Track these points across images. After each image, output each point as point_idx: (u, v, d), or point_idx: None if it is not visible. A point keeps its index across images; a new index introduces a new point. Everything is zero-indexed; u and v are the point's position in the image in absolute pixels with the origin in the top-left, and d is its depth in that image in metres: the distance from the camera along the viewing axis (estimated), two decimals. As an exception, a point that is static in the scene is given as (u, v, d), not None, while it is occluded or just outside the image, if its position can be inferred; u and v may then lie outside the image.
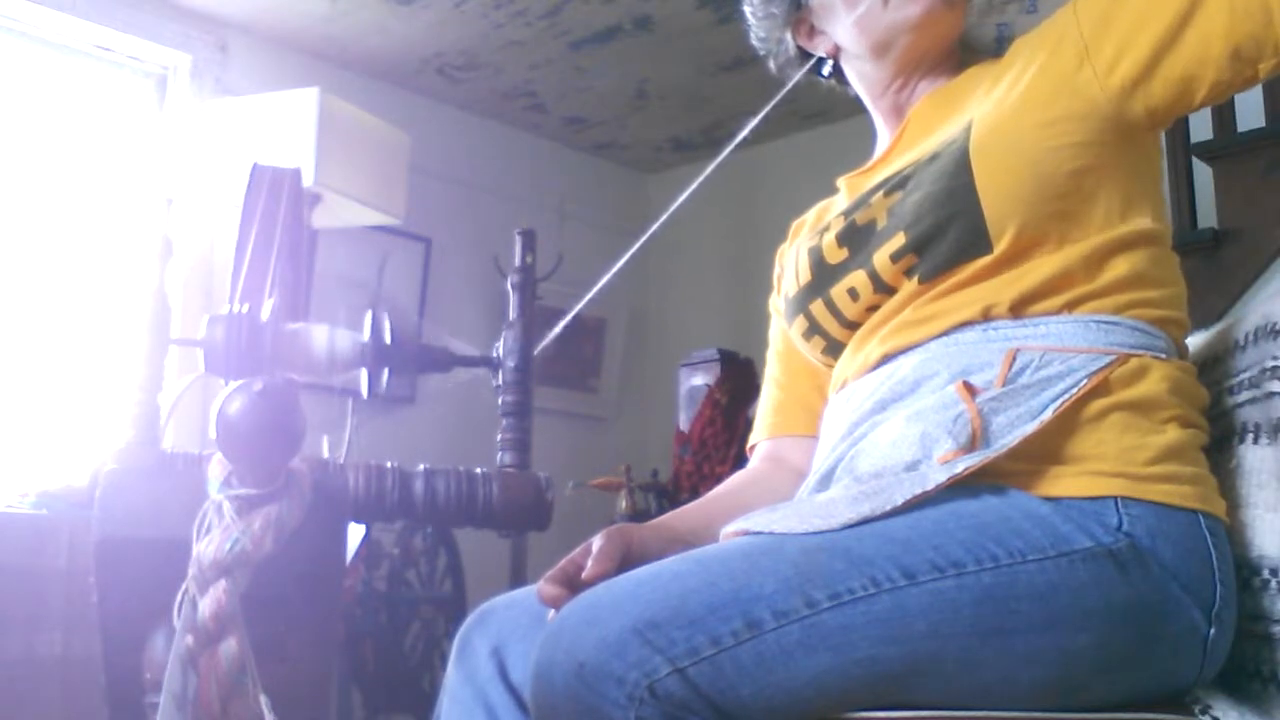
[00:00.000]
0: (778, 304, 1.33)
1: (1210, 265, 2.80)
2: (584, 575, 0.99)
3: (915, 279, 1.08)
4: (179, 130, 3.35)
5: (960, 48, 1.24)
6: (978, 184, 1.03)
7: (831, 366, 1.20)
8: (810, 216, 1.34)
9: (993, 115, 1.07)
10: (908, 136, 1.20)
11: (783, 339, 1.32)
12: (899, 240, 1.08)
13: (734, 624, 0.84)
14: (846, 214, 1.17)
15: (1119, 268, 1.03)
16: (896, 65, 1.22)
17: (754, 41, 1.35)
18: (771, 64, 1.34)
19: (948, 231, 1.05)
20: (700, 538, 1.08)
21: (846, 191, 1.26)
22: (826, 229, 1.19)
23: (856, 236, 1.13)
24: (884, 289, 1.10)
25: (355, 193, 2.85)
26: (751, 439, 1.35)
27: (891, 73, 1.23)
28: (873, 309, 1.12)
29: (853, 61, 1.26)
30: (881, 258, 1.10)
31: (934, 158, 1.09)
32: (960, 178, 1.05)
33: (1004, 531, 0.90)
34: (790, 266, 1.24)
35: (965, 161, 1.05)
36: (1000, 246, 1.03)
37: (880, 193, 1.13)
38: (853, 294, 1.13)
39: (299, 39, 3.69)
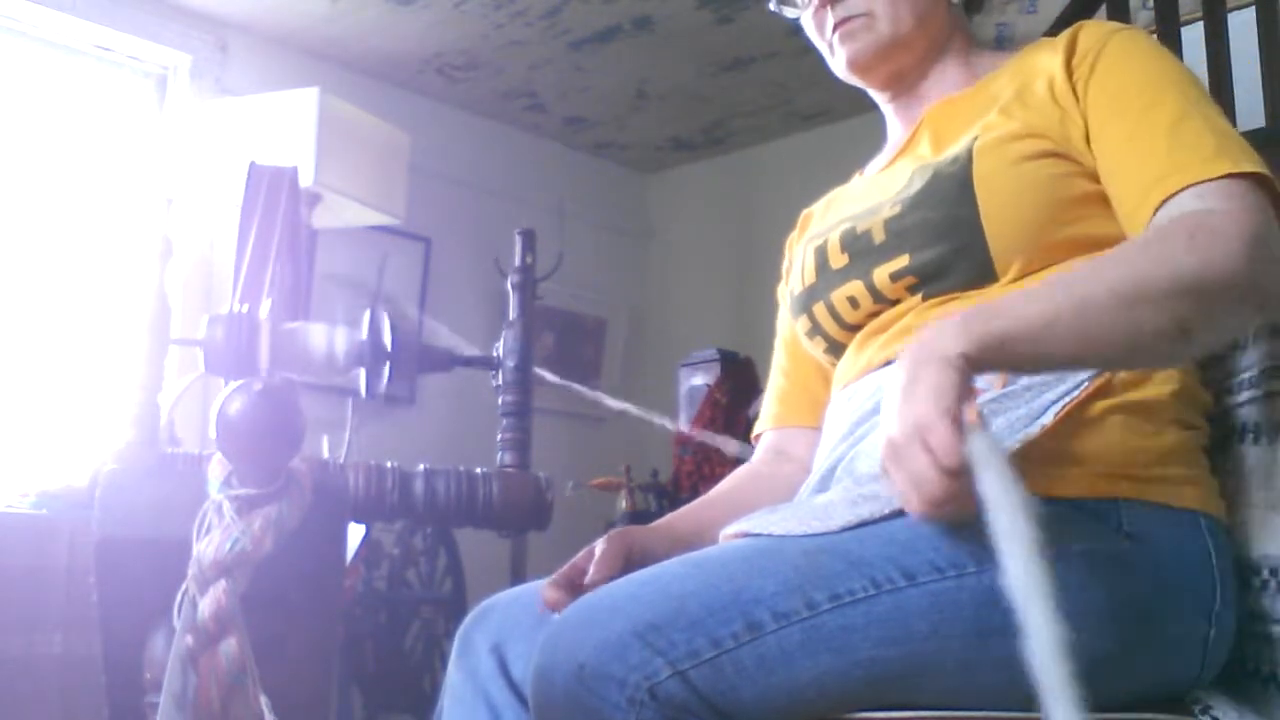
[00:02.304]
0: (786, 295, 1.33)
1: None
2: (586, 580, 0.99)
3: (918, 296, 1.08)
4: (179, 130, 3.35)
5: (963, 46, 1.23)
6: (983, 216, 1.02)
7: (834, 365, 1.19)
8: (819, 207, 1.33)
9: (997, 142, 1.05)
10: (918, 140, 1.19)
11: (790, 328, 1.31)
12: (901, 262, 1.07)
13: (734, 626, 0.84)
14: (853, 217, 1.17)
15: None
16: (869, 89, 1.25)
17: None
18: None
19: (954, 265, 1.04)
20: (703, 539, 1.08)
21: (860, 187, 1.26)
22: (833, 227, 1.19)
23: (857, 244, 1.13)
24: (884, 301, 1.10)
25: (355, 193, 2.85)
26: (757, 428, 1.35)
27: (875, 91, 1.26)
28: (874, 315, 1.12)
29: None
30: (882, 275, 1.09)
31: (935, 176, 1.08)
32: (964, 208, 1.03)
33: (1004, 532, 0.90)
34: (799, 261, 1.24)
35: (969, 190, 1.03)
36: (1006, 278, 1.03)
37: (883, 205, 1.13)
38: (853, 302, 1.13)
39: (299, 39, 3.69)
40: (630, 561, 1.03)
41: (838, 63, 1.22)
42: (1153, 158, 0.97)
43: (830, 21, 1.19)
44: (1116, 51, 1.05)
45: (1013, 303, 0.88)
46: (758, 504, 1.10)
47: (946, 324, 0.86)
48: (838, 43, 1.19)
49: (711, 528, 1.10)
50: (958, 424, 0.81)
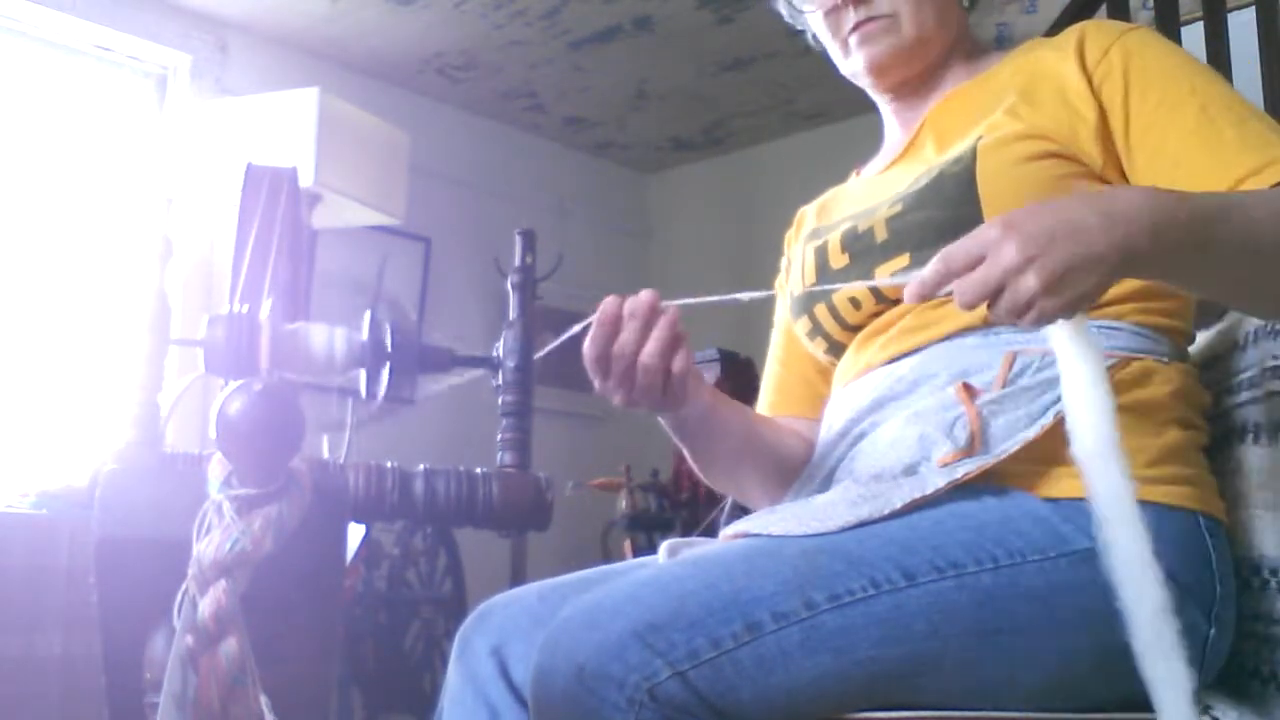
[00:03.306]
0: (786, 295, 1.33)
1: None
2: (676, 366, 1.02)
3: None
4: (179, 130, 3.35)
5: (968, 47, 1.22)
6: (986, 215, 1.02)
7: (835, 364, 1.19)
8: (814, 207, 1.32)
9: (1001, 141, 1.05)
10: (920, 141, 1.18)
11: (788, 318, 1.31)
12: (902, 261, 1.07)
13: (734, 626, 0.84)
14: (853, 217, 1.17)
15: (1126, 281, 1.03)
16: (878, 91, 1.24)
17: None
18: (809, 37, 1.33)
19: None
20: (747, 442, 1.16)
21: (858, 189, 1.26)
22: (832, 228, 1.19)
23: (858, 244, 1.13)
24: (885, 301, 1.10)
25: (355, 193, 2.85)
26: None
27: (878, 93, 1.24)
28: (875, 316, 1.12)
29: None
30: (884, 274, 1.09)
31: (939, 176, 1.08)
32: (967, 207, 1.03)
33: (1003, 532, 0.90)
34: (798, 261, 1.24)
35: (972, 189, 1.04)
36: None
37: (885, 204, 1.13)
38: (854, 302, 1.13)
39: (299, 39, 3.69)
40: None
41: (853, 63, 1.19)
42: (1224, 150, 0.99)
43: (849, 21, 1.16)
44: (1143, 50, 1.05)
45: (1204, 222, 0.87)
46: (783, 447, 1.20)
47: (1145, 215, 0.84)
48: (856, 43, 1.17)
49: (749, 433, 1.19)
50: (1070, 315, 0.83)
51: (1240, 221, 0.88)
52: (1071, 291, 0.82)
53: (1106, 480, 0.82)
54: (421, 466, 1.31)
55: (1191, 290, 0.95)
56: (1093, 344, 0.84)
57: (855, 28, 1.16)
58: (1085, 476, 0.82)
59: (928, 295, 0.86)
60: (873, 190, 1.20)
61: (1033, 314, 0.82)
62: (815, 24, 1.22)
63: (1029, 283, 0.81)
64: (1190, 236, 0.86)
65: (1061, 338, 0.85)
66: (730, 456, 1.19)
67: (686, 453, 1.19)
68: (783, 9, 1.29)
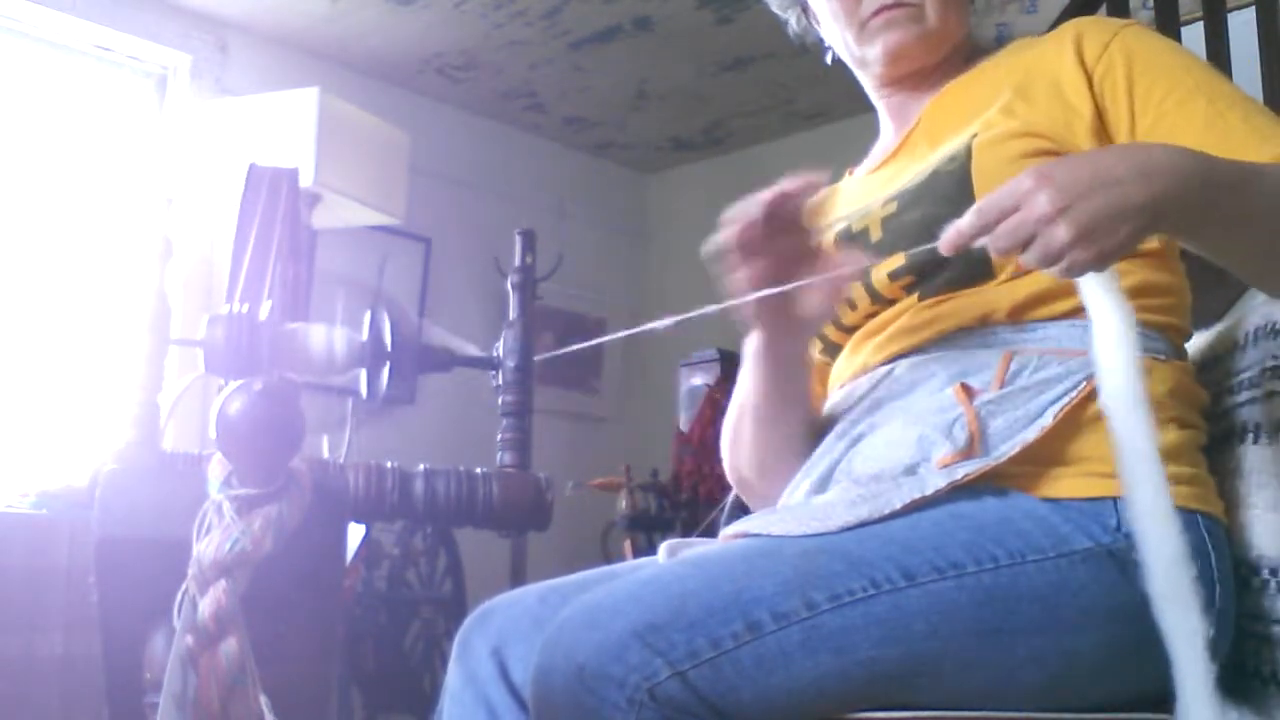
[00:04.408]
0: None
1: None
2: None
3: (915, 296, 1.07)
4: (179, 130, 3.35)
5: (969, 48, 1.22)
6: None
7: (830, 365, 1.19)
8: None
9: (996, 139, 1.05)
10: (914, 139, 1.18)
11: None
12: (898, 260, 1.07)
13: (734, 626, 0.84)
14: (847, 217, 1.16)
15: (1124, 277, 1.02)
16: (883, 82, 1.22)
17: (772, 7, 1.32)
18: (793, 23, 1.30)
19: (952, 260, 1.03)
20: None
21: (851, 189, 1.25)
22: (826, 229, 1.19)
23: (853, 244, 1.13)
24: (882, 301, 1.10)
25: (355, 193, 2.85)
26: None
27: (879, 85, 1.23)
28: (870, 316, 1.12)
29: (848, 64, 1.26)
30: (879, 275, 1.09)
31: (934, 174, 1.08)
32: (963, 205, 1.03)
33: (1004, 532, 0.90)
34: None
35: (968, 188, 1.03)
36: (1003, 276, 1.03)
37: (879, 202, 1.13)
38: (850, 304, 1.12)
39: (299, 39, 3.69)
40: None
41: (868, 49, 1.17)
42: (1238, 144, 0.99)
43: (872, 4, 1.14)
44: (1143, 46, 1.06)
45: (1232, 181, 0.89)
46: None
47: (1178, 170, 0.86)
48: (878, 28, 1.15)
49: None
50: (1101, 267, 0.84)
51: (1267, 187, 0.90)
52: (1103, 243, 0.83)
53: (1131, 429, 0.83)
54: (421, 466, 1.31)
55: (1211, 253, 0.96)
56: (1123, 296, 0.85)
57: (879, 11, 1.14)
58: (1111, 424, 0.84)
59: (963, 245, 0.87)
60: (866, 189, 1.20)
61: (1063, 264, 0.83)
62: (822, 9, 1.20)
63: (1060, 233, 0.82)
64: (1219, 195, 0.88)
65: (1092, 289, 0.86)
66: (796, 414, 1.17)
67: (758, 402, 1.18)
68: None
